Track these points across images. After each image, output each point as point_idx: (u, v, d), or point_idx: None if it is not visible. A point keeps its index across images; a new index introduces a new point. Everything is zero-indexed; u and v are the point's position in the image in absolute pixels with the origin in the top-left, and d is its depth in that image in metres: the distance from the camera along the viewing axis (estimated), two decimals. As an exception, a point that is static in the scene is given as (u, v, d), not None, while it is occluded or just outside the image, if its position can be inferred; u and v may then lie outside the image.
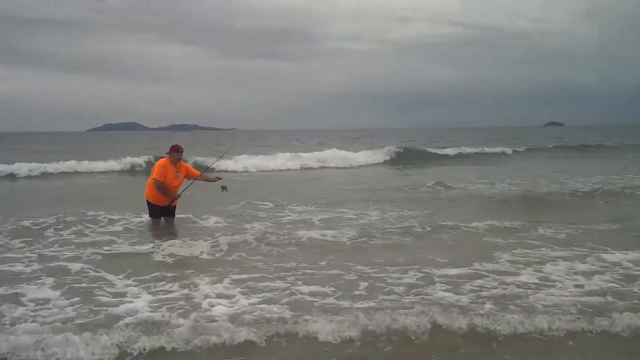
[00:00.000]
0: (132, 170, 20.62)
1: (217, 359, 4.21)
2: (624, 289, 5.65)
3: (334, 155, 24.73)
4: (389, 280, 6.00)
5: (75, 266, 6.57)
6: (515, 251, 7.24)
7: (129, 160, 21.03)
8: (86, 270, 6.43)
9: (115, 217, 9.43)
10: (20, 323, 4.62)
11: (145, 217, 9.08)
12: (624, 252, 7.04)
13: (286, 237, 8.20)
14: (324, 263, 6.78)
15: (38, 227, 8.78)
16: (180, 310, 4.97)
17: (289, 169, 22.25)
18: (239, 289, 5.66)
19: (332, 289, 5.71)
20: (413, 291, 5.61)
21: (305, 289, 5.71)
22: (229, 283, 5.90)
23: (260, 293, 5.54)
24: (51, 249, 7.47)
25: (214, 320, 4.72)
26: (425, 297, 5.44)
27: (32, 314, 4.91)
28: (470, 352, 4.36)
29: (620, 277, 6.02)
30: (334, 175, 20.17)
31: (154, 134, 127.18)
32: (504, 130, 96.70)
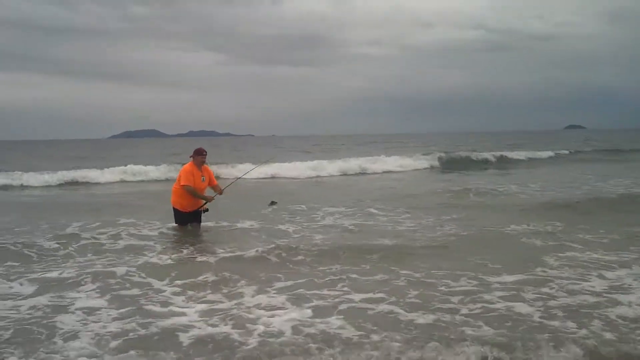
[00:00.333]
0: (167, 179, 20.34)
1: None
2: None
3: (373, 161, 25.06)
4: (441, 288, 5.76)
5: (119, 271, 6.47)
6: (562, 254, 7.00)
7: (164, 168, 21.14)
8: (129, 276, 6.32)
9: (151, 224, 9.40)
10: (73, 340, 4.44)
11: (173, 225, 8.93)
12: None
13: (326, 241, 8.03)
14: (368, 267, 6.60)
15: (78, 233, 8.77)
16: (236, 323, 4.74)
17: (331, 175, 22.09)
18: (287, 297, 5.48)
19: (382, 295, 5.50)
20: (469, 299, 5.35)
21: (357, 296, 5.49)
22: (275, 292, 5.70)
23: (312, 302, 5.33)
24: (92, 255, 7.42)
25: (278, 335, 4.44)
26: (487, 306, 5.16)
27: (82, 327, 4.75)
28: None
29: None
30: (374, 180, 19.99)
31: (174, 140, 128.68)
32: (527, 134, 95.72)
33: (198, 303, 5.37)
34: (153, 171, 20.96)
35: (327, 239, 8.25)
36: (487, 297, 5.40)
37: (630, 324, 4.57)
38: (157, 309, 5.21)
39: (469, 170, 24.15)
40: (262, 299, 5.44)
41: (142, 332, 4.59)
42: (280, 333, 4.50)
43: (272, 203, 10.06)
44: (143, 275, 6.36)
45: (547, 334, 4.37)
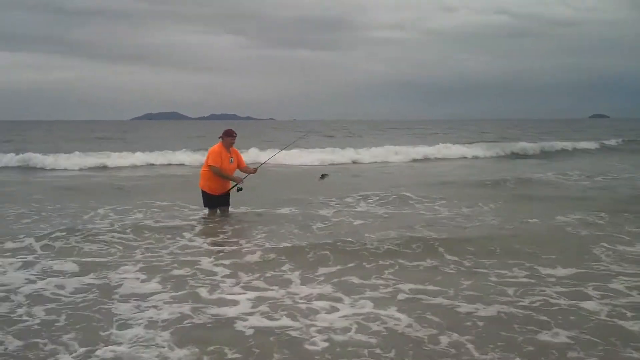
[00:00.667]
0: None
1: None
2: None
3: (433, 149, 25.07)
4: (494, 278, 5.58)
5: (162, 254, 6.45)
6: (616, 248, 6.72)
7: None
8: (174, 258, 6.28)
9: (185, 207, 9.43)
10: (128, 328, 4.32)
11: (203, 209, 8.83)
12: None
13: (368, 228, 7.88)
14: (413, 253, 6.46)
15: (112, 215, 8.77)
16: (293, 315, 4.57)
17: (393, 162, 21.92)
18: (336, 286, 5.34)
19: (435, 286, 5.32)
20: (528, 291, 5.15)
21: (408, 286, 5.31)
22: (324, 279, 5.57)
23: (364, 293, 5.16)
24: (132, 237, 7.34)
25: (342, 332, 4.19)
26: (548, 299, 4.94)
27: (135, 314, 4.63)
28: None
29: None
30: (423, 167, 19.73)
31: (196, 123, 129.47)
32: (553, 122, 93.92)
33: (247, 290, 5.24)
34: (180, 155, 20.85)
35: (368, 225, 8.07)
36: (544, 289, 5.20)
37: None
38: (207, 295, 5.10)
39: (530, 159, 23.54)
40: (312, 288, 5.30)
41: (197, 320, 4.48)
42: (345, 330, 4.27)
43: (323, 176, 9.84)
44: (187, 258, 6.29)
45: (619, 335, 4.14)
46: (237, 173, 8.63)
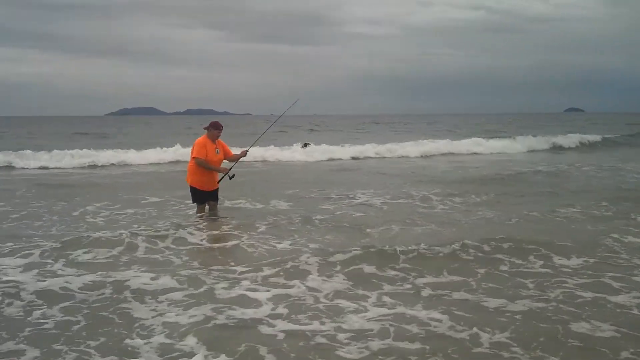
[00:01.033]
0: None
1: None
2: None
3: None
4: (506, 268, 5.57)
5: (176, 260, 6.14)
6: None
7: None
8: (185, 260, 6.05)
9: (177, 203, 9.20)
10: (149, 330, 4.13)
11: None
12: None
13: (368, 220, 7.81)
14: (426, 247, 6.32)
15: (106, 213, 8.46)
16: (319, 316, 4.38)
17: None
18: (354, 281, 5.20)
19: (452, 278, 5.22)
20: (546, 283, 5.10)
21: (426, 280, 5.21)
22: (344, 277, 5.38)
23: (383, 288, 5.02)
24: (141, 238, 6.98)
25: (380, 336, 3.98)
26: (570, 291, 4.86)
27: (156, 313, 4.44)
28: None
29: None
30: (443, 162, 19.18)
31: (173, 118, 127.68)
32: (530, 116, 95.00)
33: (267, 287, 5.05)
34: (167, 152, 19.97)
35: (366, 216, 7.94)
36: (564, 280, 5.15)
37: None
38: (226, 293, 4.89)
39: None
40: (332, 284, 5.14)
41: (219, 321, 4.27)
42: (383, 333, 4.05)
43: (305, 145, 9.62)
44: (195, 256, 6.11)
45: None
46: (225, 164, 8.40)
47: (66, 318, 4.33)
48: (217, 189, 8.36)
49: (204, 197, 8.27)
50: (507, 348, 3.80)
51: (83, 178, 13.93)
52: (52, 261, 5.84)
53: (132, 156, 18.81)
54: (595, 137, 28.81)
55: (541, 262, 5.76)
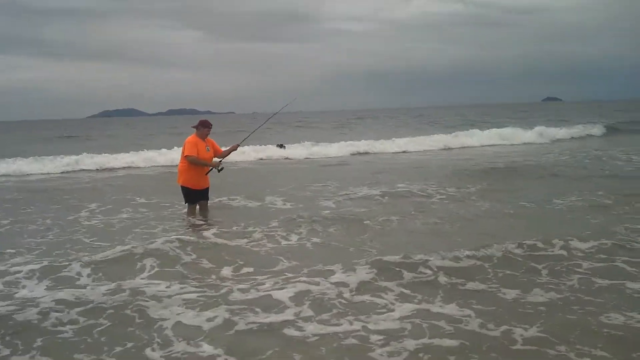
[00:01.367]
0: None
1: None
2: None
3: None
4: (509, 250, 5.56)
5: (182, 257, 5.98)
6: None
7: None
8: (192, 260, 5.86)
9: (171, 205, 8.90)
10: (170, 339, 3.95)
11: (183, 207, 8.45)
12: None
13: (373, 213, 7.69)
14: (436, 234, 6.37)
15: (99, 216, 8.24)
16: (345, 314, 4.24)
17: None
18: (372, 275, 5.08)
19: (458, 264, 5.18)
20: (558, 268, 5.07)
21: (443, 275, 5.08)
22: (368, 270, 5.22)
23: (402, 278, 4.89)
24: (139, 240, 6.85)
25: (415, 336, 3.82)
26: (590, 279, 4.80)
27: (176, 315, 4.27)
28: None
29: None
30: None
31: (154, 119, 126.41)
32: (510, 106, 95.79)
33: (284, 285, 4.92)
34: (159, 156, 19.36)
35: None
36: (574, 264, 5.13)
37: None
38: (242, 295, 4.74)
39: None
40: (350, 280, 5.00)
41: (242, 326, 4.11)
42: (417, 333, 3.91)
43: (280, 146, 9.47)
44: (203, 257, 5.94)
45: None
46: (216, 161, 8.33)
47: (86, 324, 4.16)
48: (208, 187, 8.30)
49: (196, 196, 8.21)
50: (544, 343, 3.70)
51: (68, 183, 13.53)
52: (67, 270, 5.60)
53: (118, 159, 18.27)
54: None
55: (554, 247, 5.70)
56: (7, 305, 4.54)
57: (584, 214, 7.52)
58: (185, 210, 8.32)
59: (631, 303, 4.31)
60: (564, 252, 5.59)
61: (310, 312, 4.31)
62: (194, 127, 8.14)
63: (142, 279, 5.29)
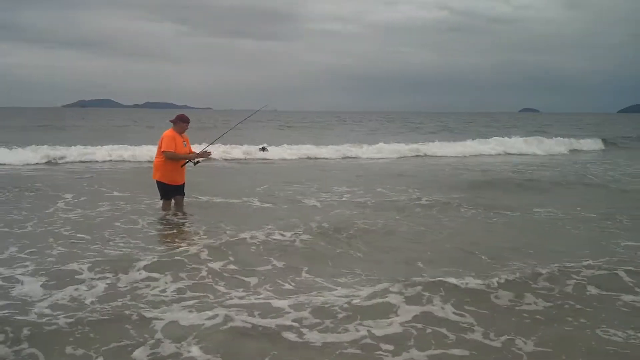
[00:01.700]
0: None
1: None
2: None
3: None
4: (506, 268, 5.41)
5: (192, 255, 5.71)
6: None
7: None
8: (182, 259, 5.56)
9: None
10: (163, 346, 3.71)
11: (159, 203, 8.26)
12: None
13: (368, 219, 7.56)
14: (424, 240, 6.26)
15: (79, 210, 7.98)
16: (348, 319, 4.10)
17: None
18: (373, 279, 4.99)
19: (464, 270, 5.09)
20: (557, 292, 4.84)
21: (437, 272, 4.95)
22: (352, 273, 5.13)
23: (416, 276, 4.76)
24: (122, 236, 6.66)
25: (421, 347, 3.69)
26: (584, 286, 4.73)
27: (166, 326, 4.04)
28: None
29: None
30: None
31: (131, 111, 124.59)
32: (487, 116, 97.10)
33: (279, 290, 4.77)
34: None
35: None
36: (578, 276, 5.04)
37: None
38: (239, 299, 4.56)
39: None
40: (347, 283, 4.89)
41: (242, 331, 3.91)
42: (435, 340, 3.78)
43: (263, 149, 9.30)
44: (191, 253, 5.68)
45: None
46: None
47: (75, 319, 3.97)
48: (184, 183, 8.17)
49: (172, 192, 8.07)
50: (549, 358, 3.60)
51: (45, 175, 13.05)
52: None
53: (96, 152, 17.74)
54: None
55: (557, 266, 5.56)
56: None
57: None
58: (160, 205, 8.15)
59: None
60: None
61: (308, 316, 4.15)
62: (171, 121, 7.99)
63: (137, 276, 5.06)
